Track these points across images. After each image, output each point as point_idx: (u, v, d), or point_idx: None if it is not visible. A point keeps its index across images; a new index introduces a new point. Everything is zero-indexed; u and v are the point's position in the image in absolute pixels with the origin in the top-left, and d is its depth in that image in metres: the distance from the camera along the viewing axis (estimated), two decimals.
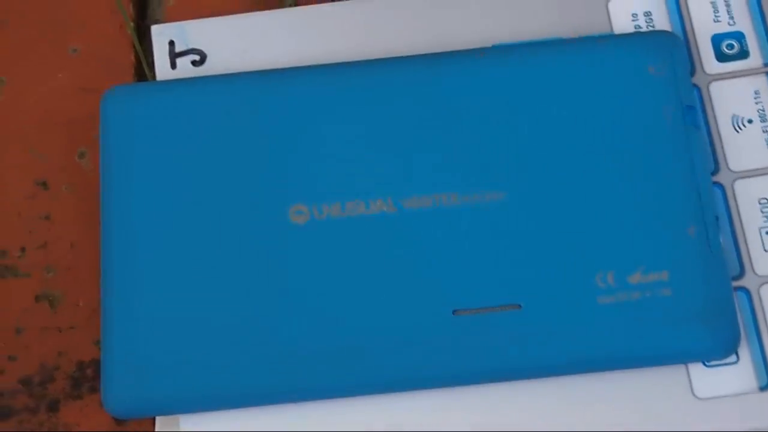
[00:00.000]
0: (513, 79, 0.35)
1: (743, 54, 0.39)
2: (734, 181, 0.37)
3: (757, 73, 0.39)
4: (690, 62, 0.39)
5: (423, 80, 0.36)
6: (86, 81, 0.41)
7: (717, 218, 0.34)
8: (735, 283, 0.36)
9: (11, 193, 0.39)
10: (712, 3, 0.39)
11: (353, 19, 0.40)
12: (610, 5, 0.39)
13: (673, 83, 0.35)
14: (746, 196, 0.37)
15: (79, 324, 0.38)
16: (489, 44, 0.38)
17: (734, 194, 0.37)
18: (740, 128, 0.38)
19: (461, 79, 0.36)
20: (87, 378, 0.37)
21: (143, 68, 0.41)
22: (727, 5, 0.39)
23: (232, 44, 0.40)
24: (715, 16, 0.39)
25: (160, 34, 0.40)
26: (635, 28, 0.39)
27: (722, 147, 0.38)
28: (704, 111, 0.39)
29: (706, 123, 0.39)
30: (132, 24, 0.41)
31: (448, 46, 0.38)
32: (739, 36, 0.39)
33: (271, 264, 0.34)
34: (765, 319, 0.35)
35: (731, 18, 0.39)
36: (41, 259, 0.38)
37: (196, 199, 0.36)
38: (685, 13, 0.39)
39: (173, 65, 0.39)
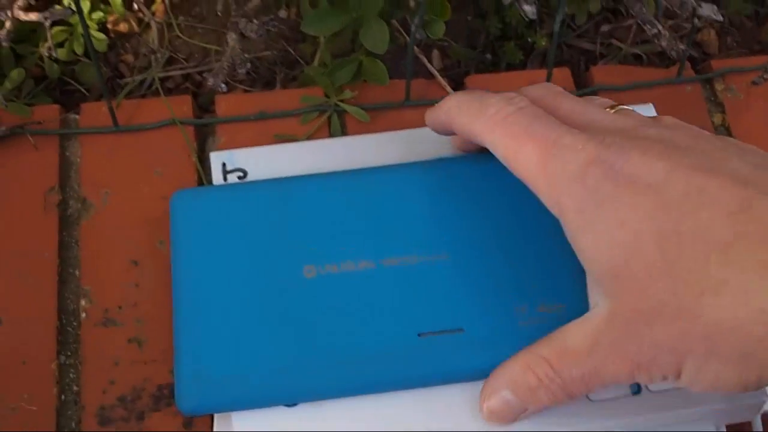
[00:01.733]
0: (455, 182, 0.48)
1: None
2: None
3: None
4: None
5: (390, 183, 0.48)
6: (164, 192, 0.54)
7: None
8: None
9: (114, 268, 0.53)
10: None
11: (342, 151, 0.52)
12: None
13: None
14: None
15: (159, 359, 0.51)
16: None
17: None
18: None
19: (421, 182, 0.48)
20: (164, 396, 0.50)
21: (203, 183, 0.55)
22: None
23: (264, 164, 0.51)
24: None
25: (217, 157, 0.52)
26: None
27: None
28: None
29: None
30: (196, 154, 0.56)
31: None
32: None
33: (295, 303, 0.44)
34: None
35: None
36: (132, 313, 0.52)
37: (242, 263, 0.46)
38: None
39: (225, 179, 0.51)
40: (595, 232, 0.36)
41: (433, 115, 0.46)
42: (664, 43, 0.55)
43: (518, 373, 0.40)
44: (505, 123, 0.39)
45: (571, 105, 0.41)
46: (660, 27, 0.55)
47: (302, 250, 0.46)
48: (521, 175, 0.39)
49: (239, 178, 0.51)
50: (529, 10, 0.53)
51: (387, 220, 0.47)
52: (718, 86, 0.61)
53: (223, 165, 0.52)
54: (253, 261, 0.46)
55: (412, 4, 0.55)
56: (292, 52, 0.65)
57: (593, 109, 0.41)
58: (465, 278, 0.45)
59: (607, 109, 0.41)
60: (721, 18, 0.53)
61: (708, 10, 0.53)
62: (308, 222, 0.47)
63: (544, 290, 0.44)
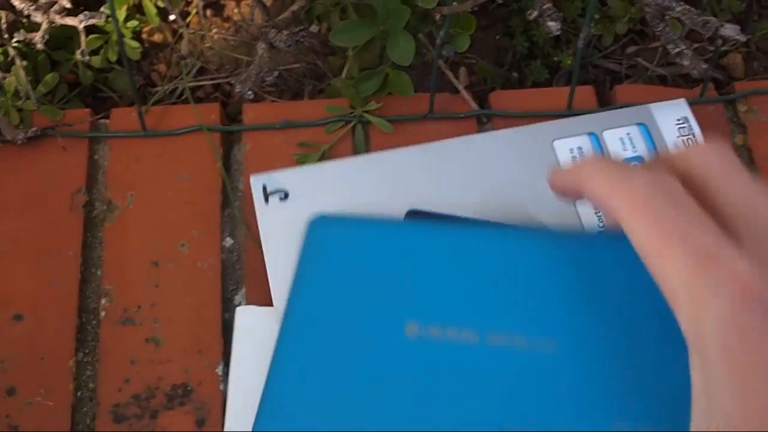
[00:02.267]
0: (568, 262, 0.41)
1: None
2: None
3: None
4: None
5: (515, 247, 0.43)
6: (187, 196, 0.56)
7: None
8: None
9: (134, 268, 0.54)
10: (620, 138, 0.55)
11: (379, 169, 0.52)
12: (555, 143, 0.54)
13: None
14: None
15: (174, 359, 0.51)
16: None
17: None
18: None
19: (539, 256, 0.42)
20: (177, 395, 0.50)
21: (227, 190, 0.56)
22: (630, 139, 0.55)
23: (304, 183, 0.52)
24: (623, 146, 0.55)
25: (256, 180, 0.52)
26: (572, 159, 0.54)
27: None
28: None
29: None
30: (221, 160, 0.57)
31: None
32: (640, 158, 0.55)
33: (389, 363, 0.41)
34: None
35: (634, 147, 0.55)
36: (151, 313, 0.53)
37: (352, 306, 0.43)
38: (603, 147, 0.54)
39: (266, 200, 0.52)
40: (743, 385, 0.28)
41: (562, 177, 0.39)
42: (686, 62, 0.55)
43: None
44: (651, 211, 0.32)
45: (732, 193, 0.34)
46: (683, 46, 0.55)
47: (412, 301, 0.43)
48: (658, 278, 0.32)
49: (281, 199, 0.52)
50: (554, 26, 0.53)
51: (503, 288, 0.42)
52: (741, 107, 0.61)
53: (264, 187, 0.52)
54: (361, 307, 0.44)
55: (438, 18, 0.56)
56: (321, 65, 0.66)
57: (762, 200, 0.33)
58: (567, 379, 0.38)
59: None
60: (743, 38, 0.53)
61: (731, 31, 0.53)
62: (427, 272, 0.43)
63: (650, 411, 0.38)
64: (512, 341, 0.39)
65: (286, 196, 0.52)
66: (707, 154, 0.35)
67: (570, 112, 0.59)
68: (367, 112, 0.58)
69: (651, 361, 0.38)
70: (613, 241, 0.40)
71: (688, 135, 0.56)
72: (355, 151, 0.57)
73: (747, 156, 0.59)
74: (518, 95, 0.61)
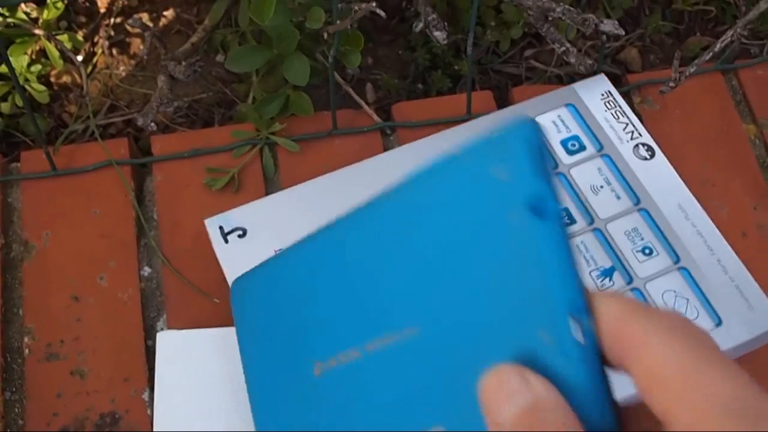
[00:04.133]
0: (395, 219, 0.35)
1: (582, 148, 0.57)
2: (605, 224, 0.53)
3: (594, 157, 0.56)
4: (552, 159, 0.54)
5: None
6: (103, 230, 0.57)
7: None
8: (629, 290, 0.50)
9: (54, 305, 0.55)
10: (552, 122, 0.57)
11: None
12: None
13: (515, 184, 0.29)
14: (616, 232, 0.53)
15: (101, 389, 0.53)
16: None
17: (609, 233, 0.53)
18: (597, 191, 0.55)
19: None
20: (106, 424, 0.52)
21: (141, 221, 0.58)
22: (562, 120, 0.57)
23: (259, 217, 0.53)
24: (557, 129, 0.57)
25: (211, 223, 0.53)
26: None
27: (590, 205, 0.54)
28: (572, 187, 0.54)
29: (576, 194, 0.54)
30: (133, 192, 0.59)
31: None
32: (576, 137, 0.57)
33: (307, 403, 0.40)
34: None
35: (567, 128, 0.57)
36: (74, 347, 0.54)
37: (277, 355, 0.42)
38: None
39: (226, 240, 0.52)
40: None
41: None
42: (572, 59, 0.57)
43: None
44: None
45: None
46: (568, 45, 0.58)
47: (312, 339, 0.40)
48: None
49: (239, 236, 0.52)
50: (440, 35, 0.55)
51: (364, 290, 0.37)
52: (636, 99, 0.64)
53: (221, 228, 0.53)
54: (281, 353, 0.42)
55: (326, 37, 0.58)
56: (229, 92, 0.67)
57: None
58: (438, 358, 0.33)
59: None
60: (622, 32, 0.56)
61: (609, 26, 0.56)
62: (316, 297, 0.40)
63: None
64: (385, 343, 0.35)
65: (245, 233, 0.53)
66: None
67: (469, 116, 0.62)
68: (272, 133, 0.60)
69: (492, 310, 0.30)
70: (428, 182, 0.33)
71: (614, 108, 0.58)
72: (265, 173, 0.59)
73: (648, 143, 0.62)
74: (420, 105, 0.63)
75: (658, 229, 0.54)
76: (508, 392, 0.27)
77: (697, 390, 0.24)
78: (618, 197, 0.55)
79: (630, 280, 0.52)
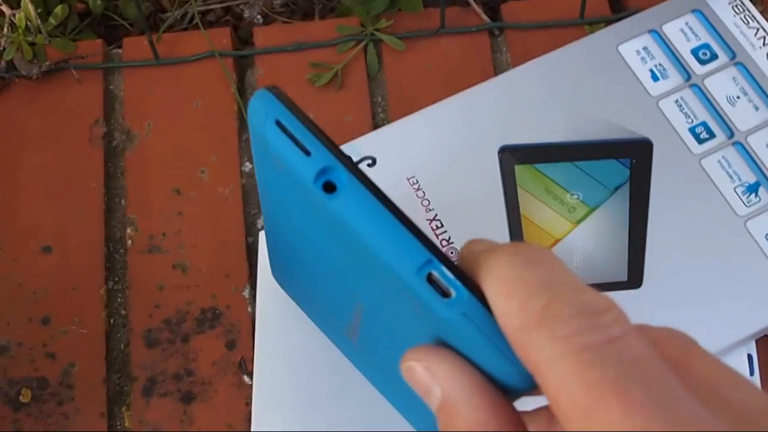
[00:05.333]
0: None
1: (714, 56, 0.53)
2: (746, 137, 0.51)
3: (728, 66, 0.53)
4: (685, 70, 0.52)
5: None
6: (204, 123, 0.56)
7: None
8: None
9: (156, 197, 0.55)
10: (681, 30, 0.54)
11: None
12: (620, 48, 0.54)
13: (293, 172, 0.27)
14: (758, 145, 0.51)
15: (201, 283, 0.53)
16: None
17: (750, 147, 0.50)
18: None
19: None
20: (207, 319, 0.52)
21: (243, 115, 0.57)
22: (690, 28, 0.54)
23: (388, 146, 0.51)
24: (686, 38, 0.54)
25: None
26: (641, 61, 0.53)
27: (728, 117, 0.51)
28: (708, 99, 0.51)
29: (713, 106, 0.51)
30: (235, 85, 0.57)
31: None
32: (707, 46, 0.54)
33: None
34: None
35: (696, 36, 0.54)
36: (176, 240, 0.54)
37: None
38: (668, 41, 0.54)
39: None
40: None
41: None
42: None
43: None
44: (584, 359, 0.21)
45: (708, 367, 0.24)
46: None
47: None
48: None
49: (369, 166, 0.51)
50: None
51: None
52: (758, 6, 0.60)
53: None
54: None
55: None
56: None
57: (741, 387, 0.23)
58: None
59: None
60: None
61: None
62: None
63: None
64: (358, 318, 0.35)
65: (374, 162, 0.52)
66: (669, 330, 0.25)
67: (582, 20, 0.59)
68: (377, 30, 0.58)
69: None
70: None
71: (743, 12, 0.55)
72: (368, 71, 0.57)
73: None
74: (529, 6, 0.60)
75: None
76: (421, 389, 0.26)
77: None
78: (756, 108, 0.52)
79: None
